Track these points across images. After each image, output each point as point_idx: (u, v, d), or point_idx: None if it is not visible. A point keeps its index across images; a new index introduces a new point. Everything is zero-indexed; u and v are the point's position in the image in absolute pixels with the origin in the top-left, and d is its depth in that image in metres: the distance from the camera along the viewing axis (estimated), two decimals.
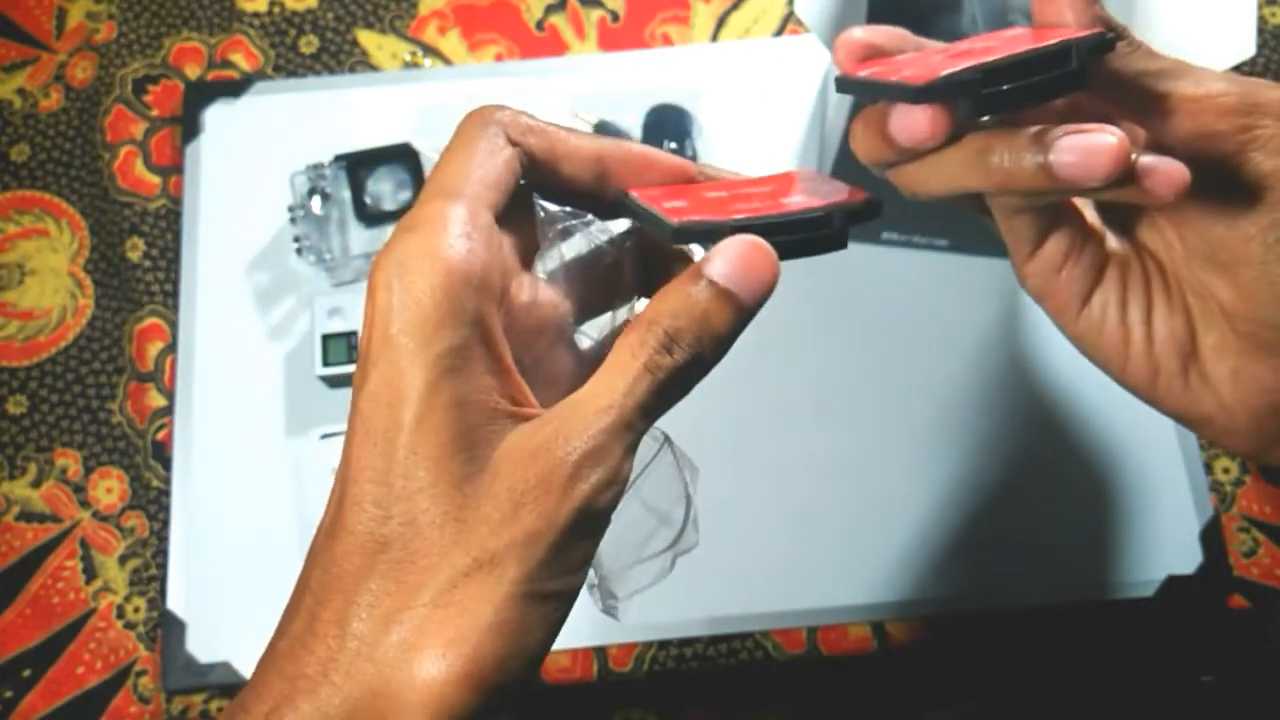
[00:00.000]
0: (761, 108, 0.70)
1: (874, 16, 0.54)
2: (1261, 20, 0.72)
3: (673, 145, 0.67)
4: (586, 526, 0.25)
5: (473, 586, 0.23)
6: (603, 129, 0.69)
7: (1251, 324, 0.29)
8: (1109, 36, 0.27)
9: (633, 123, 0.69)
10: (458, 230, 0.25)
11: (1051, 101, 0.29)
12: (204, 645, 0.60)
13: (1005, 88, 0.26)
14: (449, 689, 0.22)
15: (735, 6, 0.74)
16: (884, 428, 0.64)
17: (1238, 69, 0.71)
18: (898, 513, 0.62)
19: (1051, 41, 0.27)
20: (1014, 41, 0.29)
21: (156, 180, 0.70)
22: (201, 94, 0.71)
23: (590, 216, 0.29)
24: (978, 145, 0.28)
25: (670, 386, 0.26)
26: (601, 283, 0.30)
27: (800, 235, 0.27)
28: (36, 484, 0.64)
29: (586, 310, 0.30)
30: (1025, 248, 0.32)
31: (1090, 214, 0.33)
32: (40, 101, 0.72)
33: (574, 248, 0.29)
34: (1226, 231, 0.29)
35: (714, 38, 0.73)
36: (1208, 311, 0.31)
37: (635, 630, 0.60)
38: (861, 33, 0.31)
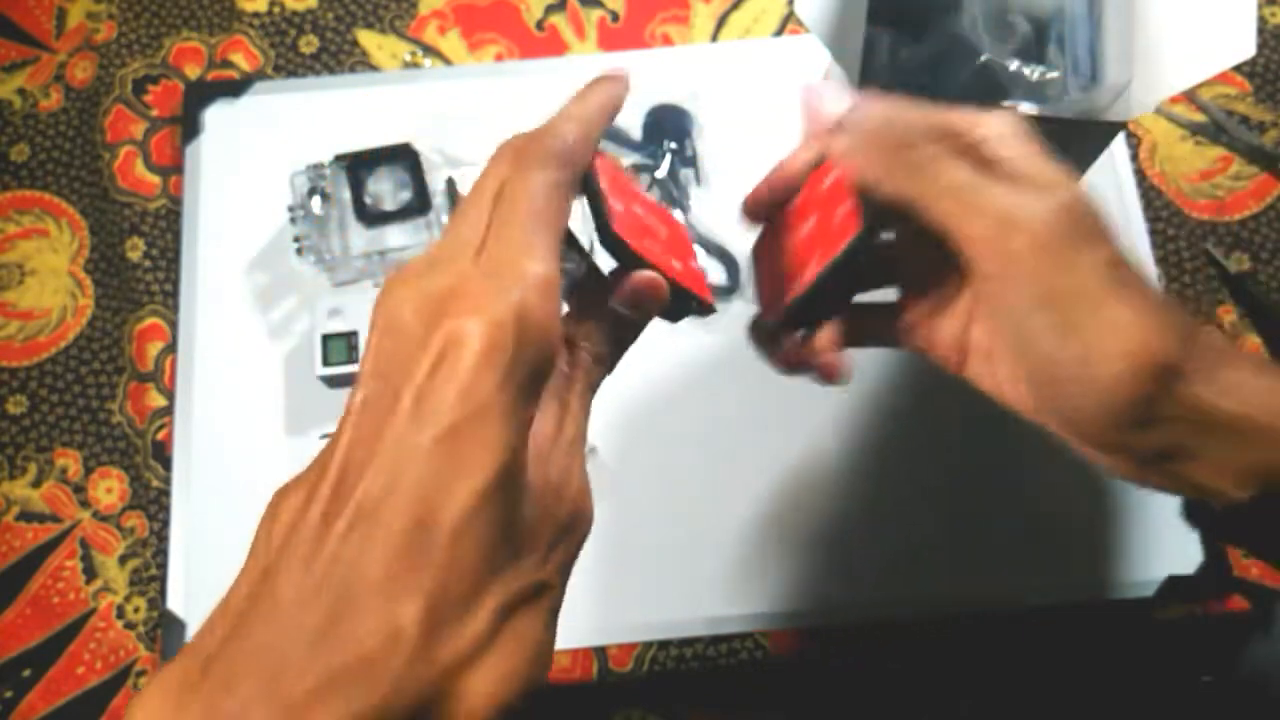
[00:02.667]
0: (761, 108, 0.70)
1: (874, 17, 0.54)
2: (1261, 20, 0.72)
3: (673, 145, 0.67)
4: (578, 554, 0.29)
5: (524, 615, 0.26)
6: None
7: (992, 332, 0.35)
8: (864, 233, 0.34)
9: (633, 123, 0.69)
10: (556, 296, 0.27)
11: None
12: None
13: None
14: (503, 698, 0.25)
15: (735, 6, 0.74)
16: (883, 427, 0.64)
17: (1238, 69, 0.71)
18: (897, 513, 0.62)
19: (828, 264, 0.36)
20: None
21: (156, 180, 0.70)
22: (201, 94, 0.71)
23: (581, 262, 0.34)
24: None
25: (595, 393, 0.32)
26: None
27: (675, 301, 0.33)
28: (36, 484, 0.64)
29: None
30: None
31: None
32: (40, 101, 0.72)
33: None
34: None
35: (714, 38, 0.73)
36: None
37: (635, 630, 0.60)
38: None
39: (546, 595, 0.27)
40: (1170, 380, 0.30)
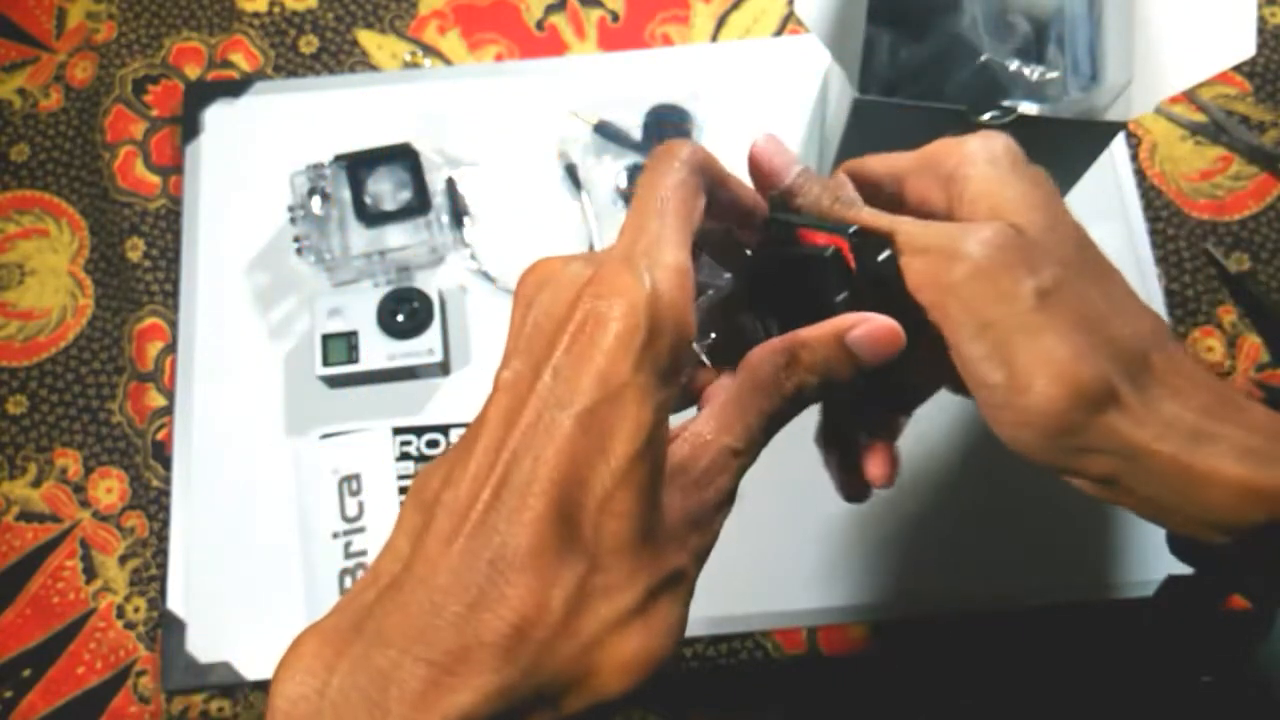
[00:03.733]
0: (761, 108, 0.70)
1: (874, 17, 0.54)
2: (1261, 20, 0.72)
3: None
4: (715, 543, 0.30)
5: (668, 597, 0.27)
6: (602, 129, 0.69)
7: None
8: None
9: (633, 123, 0.69)
10: (688, 284, 0.28)
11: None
12: (204, 645, 0.60)
13: None
14: (642, 670, 0.26)
15: (735, 6, 0.74)
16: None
17: (1238, 69, 0.71)
18: (898, 513, 0.62)
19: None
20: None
21: (156, 180, 0.70)
22: (201, 94, 0.71)
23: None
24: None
25: (783, 425, 0.32)
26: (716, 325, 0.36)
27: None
28: (36, 484, 0.64)
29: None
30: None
31: None
32: (40, 101, 0.72)
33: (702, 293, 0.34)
34: None
35: (714, 38, 0.73)
36: None
37: None
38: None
39: (684, 580, 0.28)
40: (1096, 411, 0.31)
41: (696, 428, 0.30)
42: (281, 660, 0.26)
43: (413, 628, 0.25)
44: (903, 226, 0.33)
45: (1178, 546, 0.40)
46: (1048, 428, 0.31)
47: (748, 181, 0.35)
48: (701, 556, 0.29)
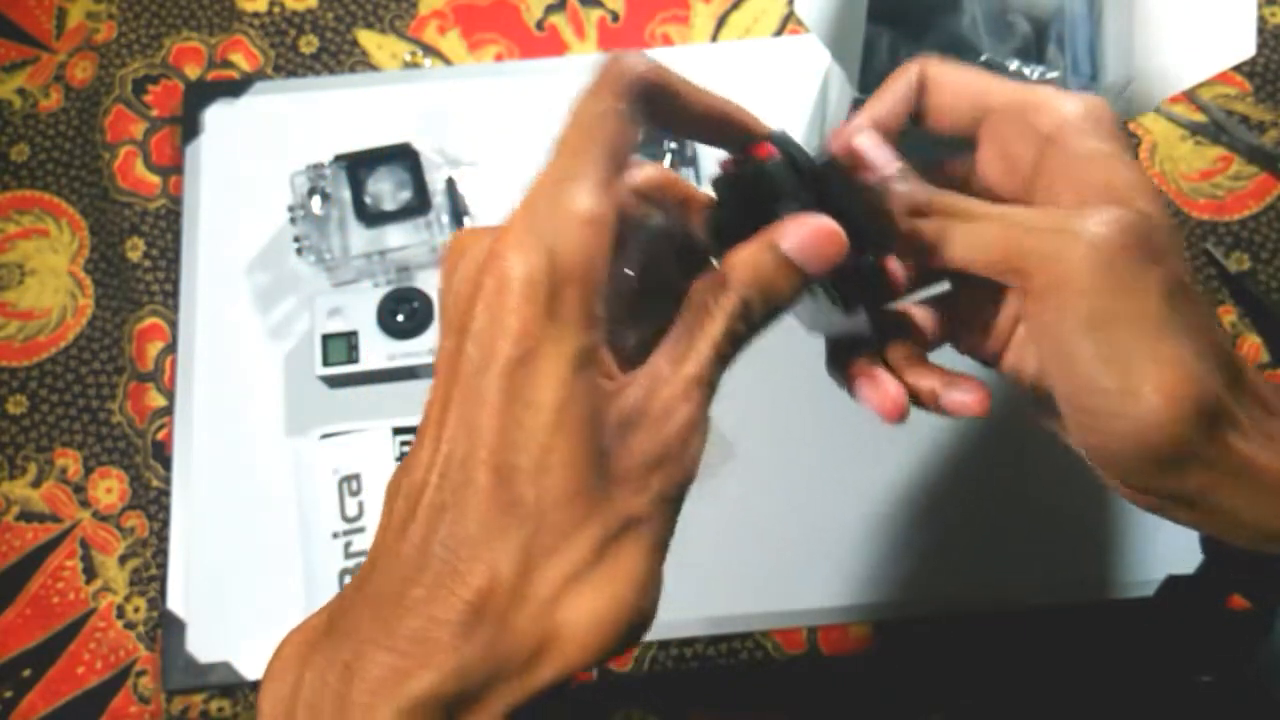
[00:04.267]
0: (761, 108, 0.70)
1: (874, 16, 0.54)
2: (1261, 20, 0.72)
3: (673, 145, 0.67)
4: (690, 484, 0.28)
5: (626, 543, 0.26)
6: None
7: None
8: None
9: None
10: (598, 230, 0.26)
11: None
12: (204, 645, 0.60)
13: None
14: (606, 628, 0.25)
15: (735, 6, 0.74)
16: (884, 427, 0.63)
17: (1238, 69, 0.71)
18: (898, 513, 0.62)
19: None
20: None
21: (156, 180, 0.70)
22: (201, 94, 0.71)
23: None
24: None
25: (742, 342, 0.29)
26: (661, 258, 0.33)
27: None
28: (36, 484, 0.64)
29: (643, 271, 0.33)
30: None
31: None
32: (40, 101, 0.72)
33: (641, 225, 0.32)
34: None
35: (714, 38, 0.73)
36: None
37: None
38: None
39: (644, 526, 0.27)
40: (1211, 425, 0.29)
41: (650, 366, 0.28)
42: (268, 663, 0.27)
43: (376, 617, 0.25)
44: (1009, 214, 0.31)
45: (1211, 544, 0.39)
46: (1154, 439, 0.29)
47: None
48: (669, 497, 0.27)
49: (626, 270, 0.32)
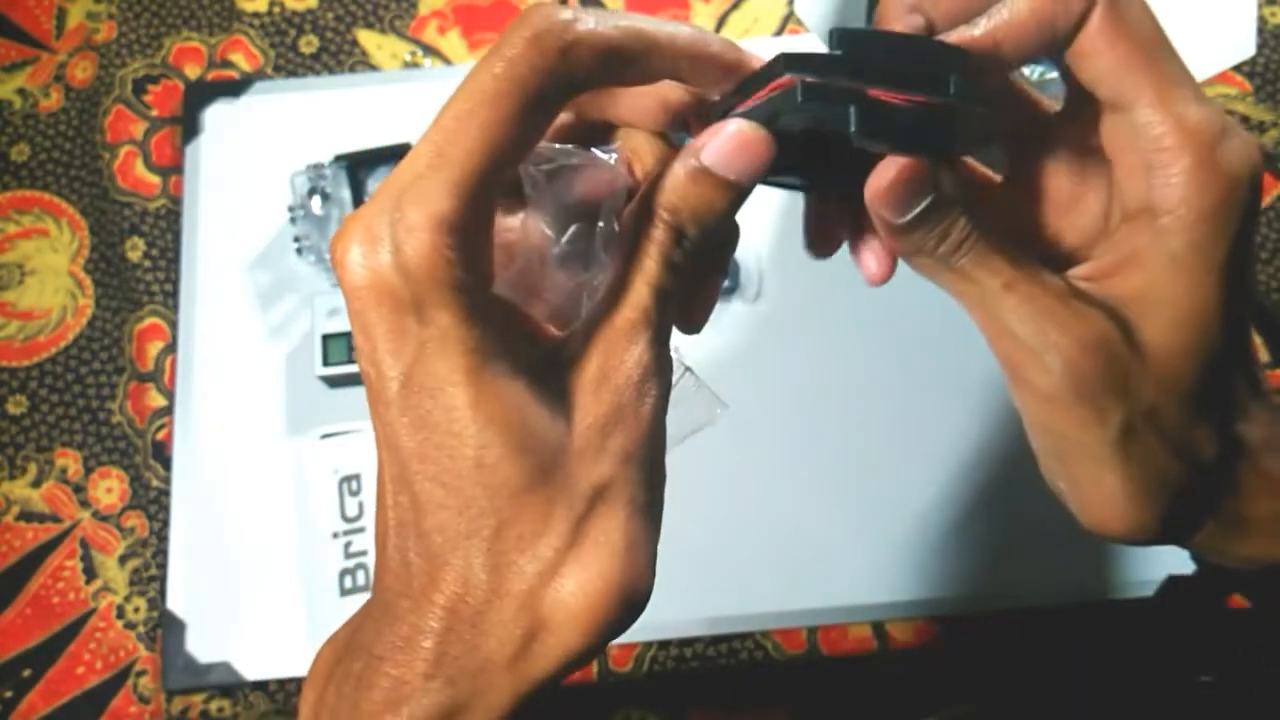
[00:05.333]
0: None
1: (874, 16, 0.54)
2: (1261, 20, 0.72)
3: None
4: (660, 431, 0.26)
5: (599, 516, 0.25)
6: None
7: None
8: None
9: None
10: (432, 235, 0.23)
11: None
12: (204, 645, 0.60)
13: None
14: (598, 606, 0.24)
15: (735, 6, 0.74)
16: (884, 427, 0.64)
17: (1238, 69, 0.71)
18: (898, 513, 0.62)
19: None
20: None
21: (156, 180, 0.70)
22: (201, 94, 0.71)
23: (573, 148, 0.28)
24: None
25: (685, 273, 0.27)
26: (583, 211, 0.29)
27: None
28: (36, 484, 0.64)
29: (570, 221, 0.29)
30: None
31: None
32: (40, 101, 0.72)
33: (561, 172, 0.28)
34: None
35: None
36: None
37: (635, 630, 0.60)
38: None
39: (613, 492, 0.25)
40: (1165, 539, 0.30)
41: (586, 317, 0.26)
42: (309, 667, 0.28)
43: (378, 630, 0.25)
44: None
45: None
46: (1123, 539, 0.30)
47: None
48: (634, 456, 0.25)
49: (546, 230, 0.29)
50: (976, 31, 0.27)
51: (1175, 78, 0.27)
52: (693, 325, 0.30)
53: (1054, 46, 0.27)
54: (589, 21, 0.24)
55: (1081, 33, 0.27)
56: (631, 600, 0.25)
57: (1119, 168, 0.28)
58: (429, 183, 0.23)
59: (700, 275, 0.28)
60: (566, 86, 0.25)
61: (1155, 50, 0.27)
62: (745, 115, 0.26)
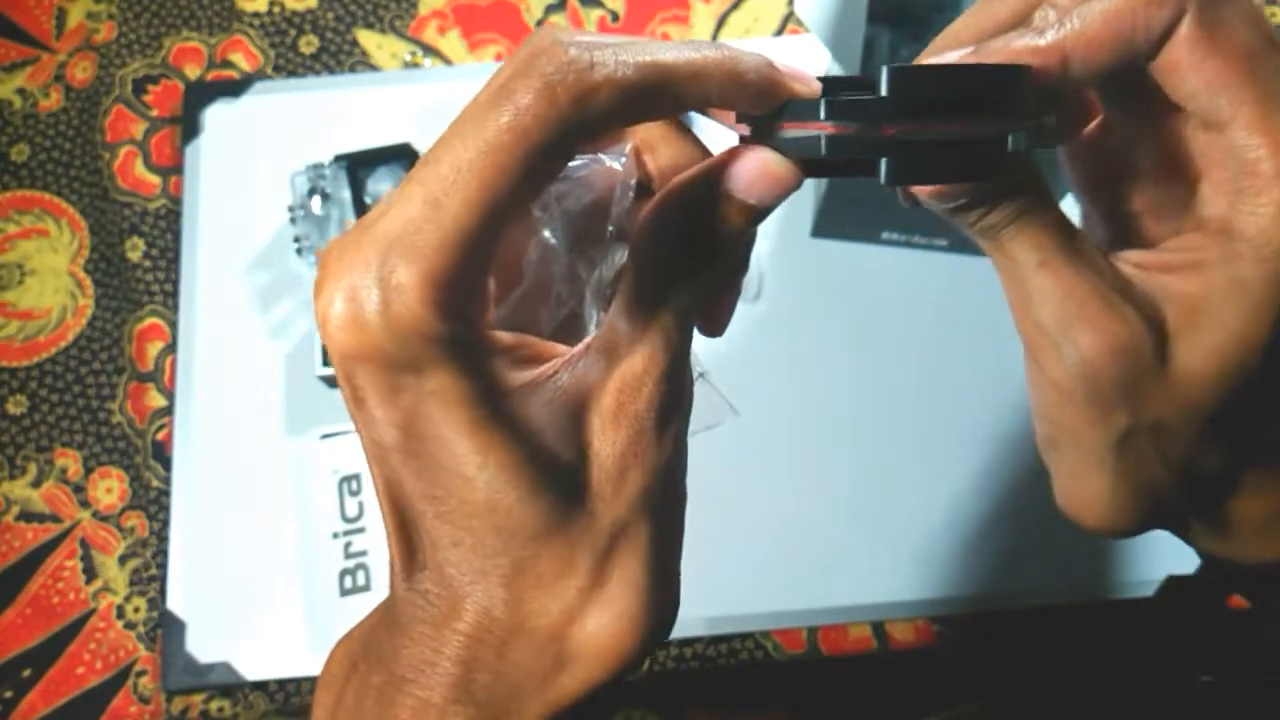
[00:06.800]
0: None
1: (874, 17, 0.54)
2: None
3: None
4: (681, 458, 0.26)
5: (620, 555, 0.24)
6: None
7: None
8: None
9: None
10: (415, 298, 0.22)
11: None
12: (204, 645, 0.60)
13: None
14: (624, 643, 0.24)
15: (735, 6, 0.74)
16: (884, 427, 0.64)
17: None
18: (898, 513, 0.62)
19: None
20: None
21: (156, 180, 0.70)
22: (201, 94, 0.71)
23: (589, 158, 0.27)
24: None
25: (705, 285, 0.25)
26: (592, 217, 0.28)
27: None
28: (36, 484, 0.64)
29: (578, 230, 0.28)
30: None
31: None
32: (40, 101, 0.72)
33: (569, 186, 0.27)
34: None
35: (714, 37, 0.73)
36: None
37: None
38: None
39: (634, 529, 0.24)
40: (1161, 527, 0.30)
41: (604, 335, 0.24)
42: (323, 665, 0.27)
43: (396, 647, 0.25)
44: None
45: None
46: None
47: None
48: (655, 487, 0.24)
49: (552, 242, 0.27)
50: (1042, 42, 0.24)
51: (1278, 95, 0.24)
52: (716, 330, 0.28)
53: (1133, 61, 0.25)
54: (606, 64, 0.22)
55: (1169, 46, 0.24)
56: (656, 633, 0.25)
57: (1206, 177, 0.26)
58: (421, 236, 0.21)
59: (721, 281, 0.26)
60: (579, 136, 0.22)
61: (1256, 63, 0.24)
62: (778, 144, 0.24)
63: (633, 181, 0.27)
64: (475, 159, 0.21)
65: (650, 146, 0.27)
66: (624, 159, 0.27)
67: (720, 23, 0.74)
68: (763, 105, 0.24)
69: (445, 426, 0.22)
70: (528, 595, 0.24)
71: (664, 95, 0.22)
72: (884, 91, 0.23)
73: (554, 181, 0.26)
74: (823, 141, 0.23)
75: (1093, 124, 0.28)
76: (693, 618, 0.61)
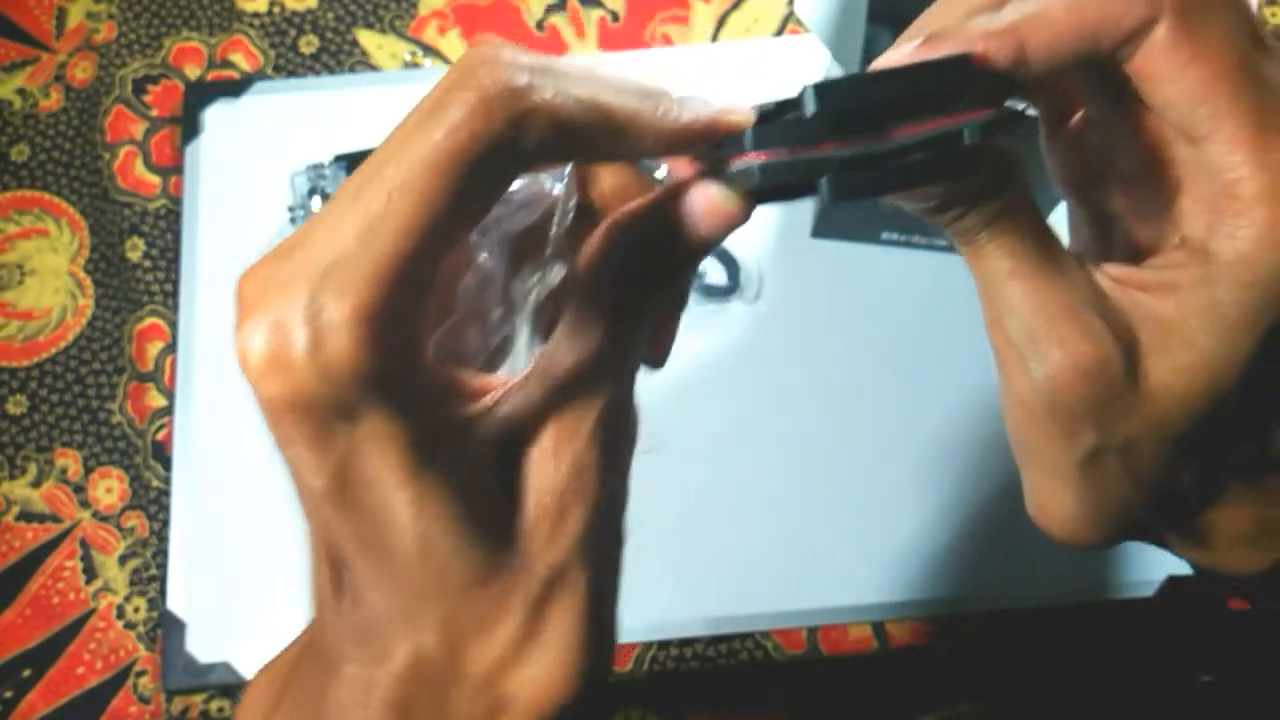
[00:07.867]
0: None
1: (874, 17, 0.54)
2: (1261, 20, 0.72)
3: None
4: (622, 498, 0.25)
5: (555, 605, 0.23)
6: None
7: None
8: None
9: None
10: (352, 332, 0.20)
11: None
12: (204, 645, 0.60)
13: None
14: (557, 692, 0.23)
15: (735, 6, 0.74)
16: (883, 427, 0.64)
17: None
18: (898, 513, 0.62)
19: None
20: None
21: (156, 180, 0.70)
22: (201, 94, 0.71)
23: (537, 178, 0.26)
24: None
25: (651, 316, 0.25)
26: (530, 240, 0.27)
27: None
28: (36, 484, 0.64)
29: (515, 254, 0.28)
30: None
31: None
32: (40, 101, 0.72)
33: (505, 209, 0.26)
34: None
35: (714, 38, 0.73)
36: None
37: (635, 630, 0.60)
38: None
39: (570, 577, 0.24)
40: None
41: (542, 366, 0.24)
42: (241, 698, 0.27)
43: (321, 688, 0.24)
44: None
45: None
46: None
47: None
48: (592, 529, 0.24)
49: (488, 267, 0.27)
50: (996, 24, 0.23)
51: (1265, 111, 0.22)
52: (659, 361, 0.27)
53: (1097, 58, 0.23)
54: (546, 89, 0.21)
55: (1144, 49, 0.22)
56: (590, 680, 0.24)
57: (1185, 191, 0.24)
58: (352, 269, 0.20)
59: (667, 312, 0.26)
60: (515, 162, 0.21)
61: (1241, 75, 0.22)
62: (725, 178, 0.24)
63: (572, 204, 0.26)
64: (409, 179, 0.20)
65: (592, 171, 0.27)
66: (564, 181, 0.26)
67: (720, 23, 0.74)
68: (702, 148, 0.24)
69: (380, 473, 0.21)
70: (462, 641, 0.23)
71: (601, 139, 0.22)
72: (810, 110, 0.22)
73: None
74: (756, 171, 0.23)
75: (1074, 119, 0.27)
76: (693, 618, 0.61)
